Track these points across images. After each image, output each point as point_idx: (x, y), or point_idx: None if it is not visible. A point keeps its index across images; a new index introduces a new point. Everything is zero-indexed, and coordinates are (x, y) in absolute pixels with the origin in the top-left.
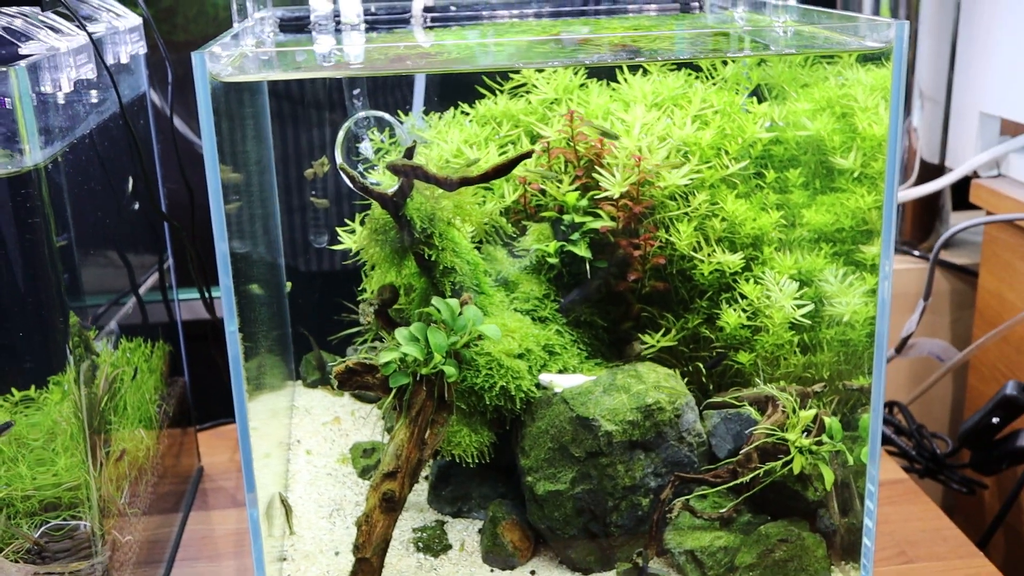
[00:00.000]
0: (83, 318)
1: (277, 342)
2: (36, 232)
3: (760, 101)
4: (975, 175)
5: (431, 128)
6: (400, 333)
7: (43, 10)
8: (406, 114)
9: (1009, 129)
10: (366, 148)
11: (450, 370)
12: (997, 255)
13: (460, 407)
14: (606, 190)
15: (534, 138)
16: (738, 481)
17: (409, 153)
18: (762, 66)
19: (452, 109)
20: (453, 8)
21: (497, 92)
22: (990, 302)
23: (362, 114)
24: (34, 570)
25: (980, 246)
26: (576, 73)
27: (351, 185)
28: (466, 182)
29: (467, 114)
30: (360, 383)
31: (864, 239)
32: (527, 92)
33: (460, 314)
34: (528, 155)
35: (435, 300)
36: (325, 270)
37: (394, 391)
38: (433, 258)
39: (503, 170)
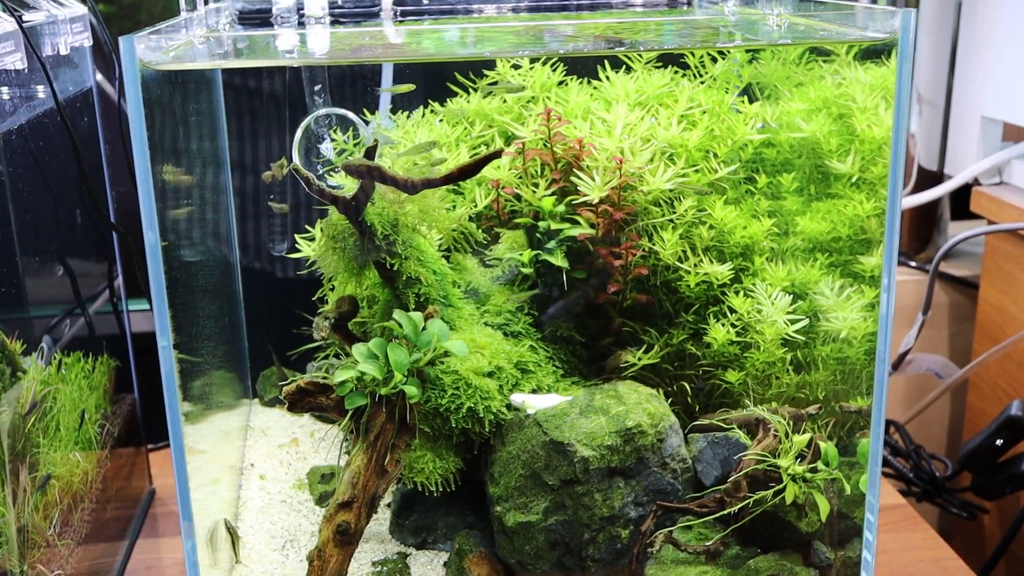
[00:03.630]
0: (8, 331)
1: (231, 356)
2: None
3: (751, 101)
4: (976, 182)
5: (398, 127)
6: (358, 350)
7: None
8: (372, 113)
9: (1012, 135)
10: (327, 148)
11: (412, 390)
12: (999, 267)
13: (423, 430)
14: (585, 195)
15: (509, 138)
16: (726, 511)
17: (369, 153)
18: (754, 63)
19: (421, 108)
20: (426, 1)
21: (470, 89)
22: (992, 316)
23: (323, 111)
24: None
25: (981, 257)
26: (554, 70)
27: (306, 188)
28: (429, 184)
29: (436, 112)
30: (313, 405)
31: (863, 249)
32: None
33: (424, 329)
34: (497, 155)
35: (397, 314)
36: (286, 278)
37: (350, 413)
38: (396, 267)
39: (470, 171)
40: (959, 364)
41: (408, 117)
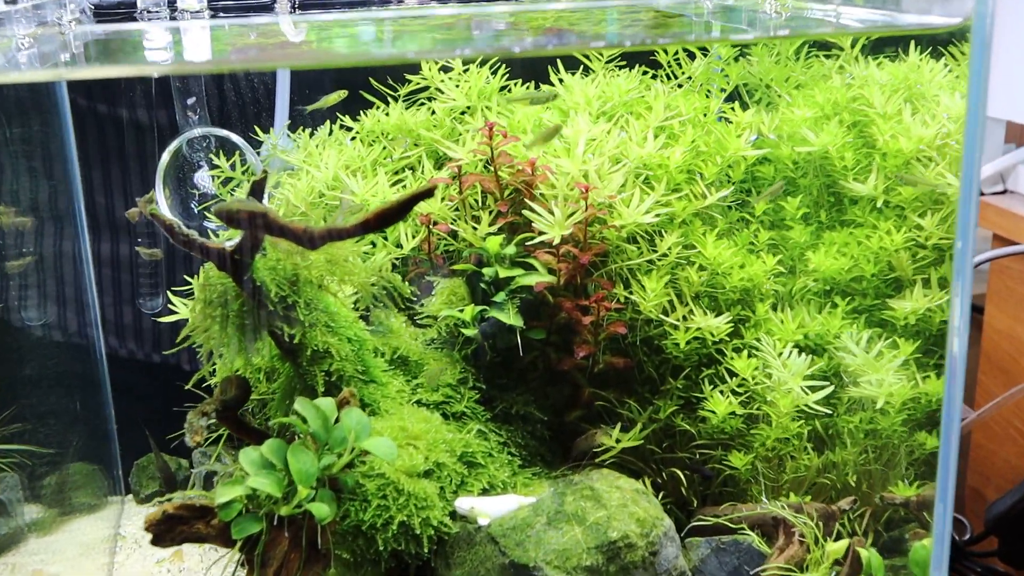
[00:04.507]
0: None
1: (91, 444)
2: None
3: (743, 107)
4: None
5: (300, 149)
6: (247, 457)
7: None
8: (266, 131)
9: (1015, 135)
10: (203, 179)
11: (322, 509)
12: (1007, 287)
13: (341, 557)
14: (542, 232)
15: (440, 161)
16: None
17: (256, 189)
18: (742, 61)
19: (328, 124)
20: None
21: (389, 100)
22: (999, 343)
23: (197, 132)
24: None
25: (986, 275)
26: (494, 73)
27: (170, 238)
28: (334, 236)
29: (350, 129)
30: (188, 535)
31: (892, 290)
32: (429, 99)
33: (337, 421)
34: (428, 194)
35: (300, 404)
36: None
37: (241, 542)
38: (297, 339)
39: (392, 216)
40: (964, 398)
41: (312, 136)
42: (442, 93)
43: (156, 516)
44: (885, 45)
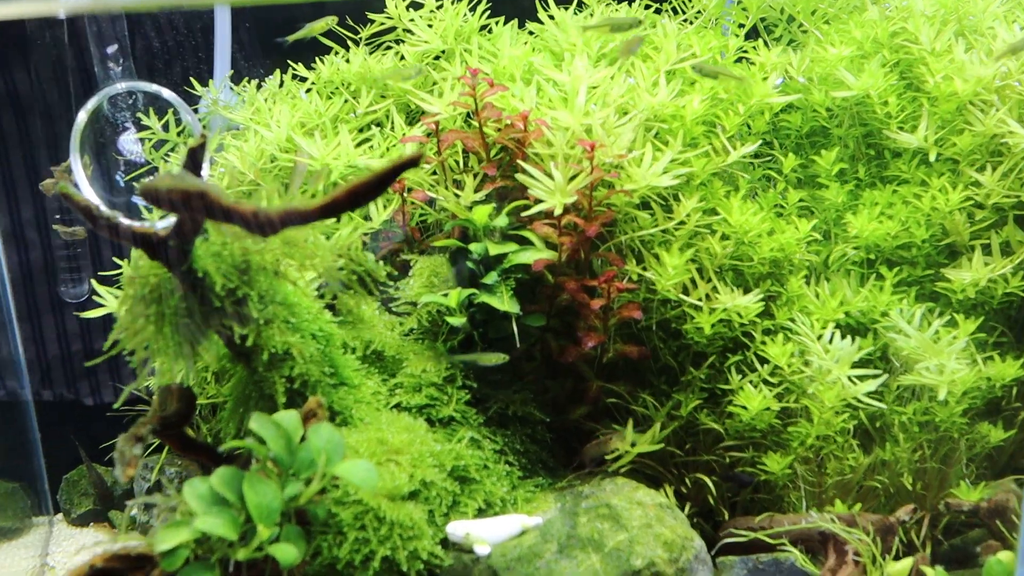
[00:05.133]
0: None
1: (8, 457)
2: None
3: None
4: None
5: (246, 105)
6: (194, 491)
7: None
8: (204, 84)
9: None
10: (130, 145)
11: (287, 552)
12: None
13: None
14: (539, 200)
15: (413, 115)
16: None
17: (193, 158)
18: None
19: (279, 73)
20: None
21: (349, 43)
22: None
23: (121, 86)
24: None
25: None
26: (472, 10)
27: (88, 222)
28: (294, 219)
29: (304, 80)
30: None
31: (947, 257)
32: (397, 42)
33: (303, 439)
34: (413, 162)
35: (256, 420)
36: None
37: None
38: (251, 340)
39: (366, 192)
40: None
41: (259, 88)
42: (412, 34)
43: (82, 572)
44: None
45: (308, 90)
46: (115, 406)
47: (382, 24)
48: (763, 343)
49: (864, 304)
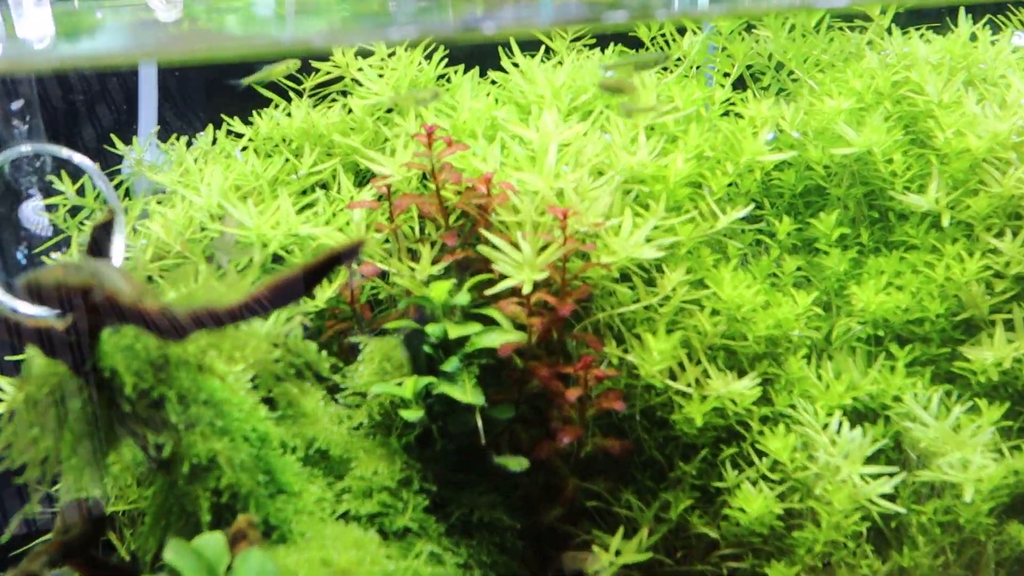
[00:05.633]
0: None
1: None
2: None
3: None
4: None
5: (173, 165)
6: None
7: None
8: (128, 142)
9: None
10: (34, 215)
11: None
12: None
13: None
14: (505, 276)
15: (363, 176)
16: None
17: (97, 242)
18: (747, 37)
19: (212, 129)
20: None
21: (291, 95)
22: None
23: (25, 148)
24: None
25: None
26: (428, 58)
27: None
28: (208, 322)
29: (240, 136)
30: None
31: (964, 333)
32: (343, 93)
33: (230, 569)
34: (352, 253)
35: (172, 551)
36: None
37: None
38: (168, 451)
39: (295, 288)
40: None
41: (189, 146)
42: (360, 85)
43: None
44: (922, 16)
45: (244, 148)
46: (1, 539)
47: (328, 73)
48: (761, 433)
49: (874, 387)
